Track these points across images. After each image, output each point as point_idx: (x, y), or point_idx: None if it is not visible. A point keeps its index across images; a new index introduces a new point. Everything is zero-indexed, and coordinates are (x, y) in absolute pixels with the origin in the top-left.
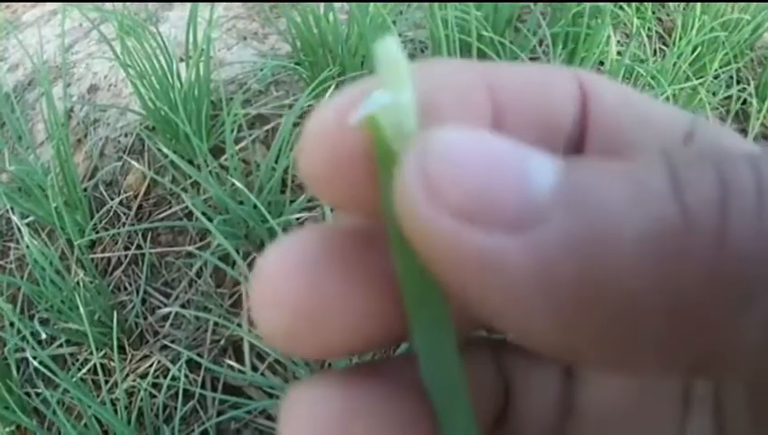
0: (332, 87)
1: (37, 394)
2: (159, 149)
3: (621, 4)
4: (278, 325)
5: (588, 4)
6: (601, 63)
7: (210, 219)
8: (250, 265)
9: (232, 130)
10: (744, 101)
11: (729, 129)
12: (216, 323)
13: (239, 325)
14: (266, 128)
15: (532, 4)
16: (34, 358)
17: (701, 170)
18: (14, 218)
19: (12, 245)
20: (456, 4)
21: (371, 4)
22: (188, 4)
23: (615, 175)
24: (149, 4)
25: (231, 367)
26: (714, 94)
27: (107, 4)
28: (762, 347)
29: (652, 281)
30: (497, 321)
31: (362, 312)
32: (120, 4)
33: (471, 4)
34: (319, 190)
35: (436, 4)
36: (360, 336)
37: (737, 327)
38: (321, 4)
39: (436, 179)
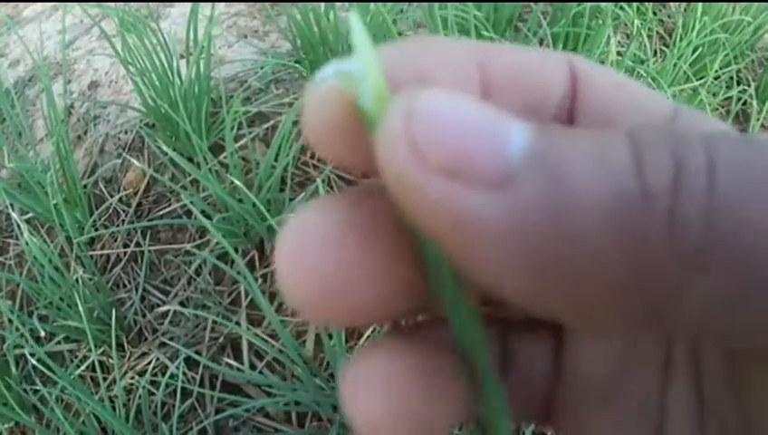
0: None
1: (36, 391)
2: (159, 147)
3: (622, 4)
4: (304, 294)
5: (588, 5)
6: (601, 64)
7: (209, 217)
8: (249, 264)
9: (232, 128)
10: (745, 102)
11: (708, 115)
12: (214, 321)
13: (238, 323)
14: (266, 126)
15: (532, 3)
16: (33, 355)
17: (660, 150)
18: (14, 215)
19: (11, 241)
20: (457, 3)
21: (372, 3)
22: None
23: (583, 144)
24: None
25: (229, 365)
26: (714, 95)
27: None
28: (703, 312)
29: (612, 243)
30: (474, 273)
31: (385, 278)
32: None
33: (471, 4)
34: (323, 152)
35: (435, 4)
36: (382, 302)
37: (682, 291)
38: (322, 3)
39: (419, 138)
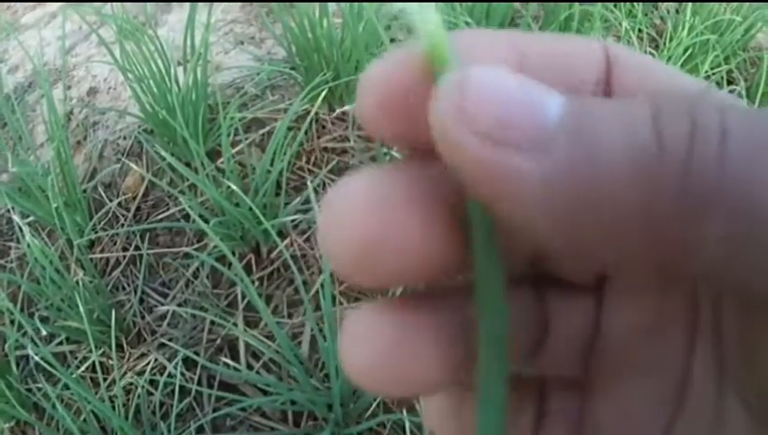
0: (324, 92)
1: (37, 390)
2: (158, 152)
3: (611, 7)
4: (346, 254)
5: (578, 8)
6: None
7: (207, 221)
8: (246, 267)
9: (228, 134)
10: None
11: (735, 97)
12: (212, 323)
13: (235, 325)
14: (262, 131)
15: (523, 9)
16: (36, 355)
17: (677, 109)
18: (15, 218)
19: (12, 244)
20: (448, 9)
21: (364, 10)
22: (186, 8)
23: (609, 109)
24: (148, 7)
25: (227, 365)
26: None
27: (106, 7)
28: (717, 254)
29: (633, 193)
30: (516, 224)
31: (421, 242)
32: (119, 7)
33: (464, 9)
34: (376, 127)
35: None
36: (419, 265)
37: (697, 236)
38: (317, 9)
39: (471, 108)
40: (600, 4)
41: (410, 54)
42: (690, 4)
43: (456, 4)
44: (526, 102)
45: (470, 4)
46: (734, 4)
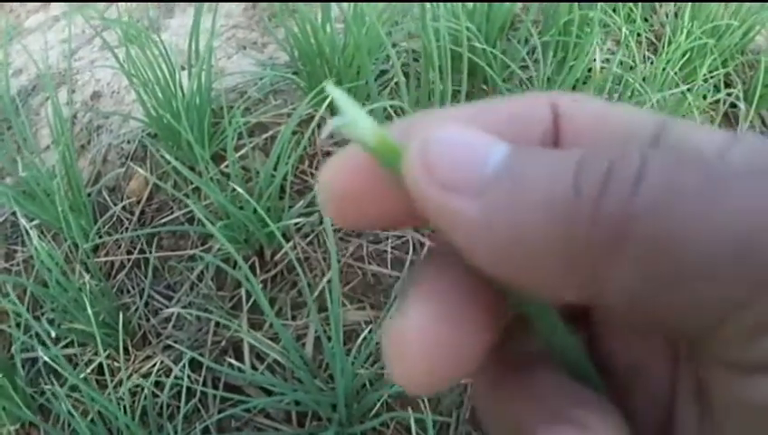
0: (327, 97)
1: (42, 393)
2: (162, 156)
3: (611, 12)
4: (414, 384)
5: (577, 13)
6: (590, 71)
7: (211, 224)
8: (250, 269)
9: (232, 138)
10: (734, 106)
11: (699, 124)
12: (216, 325)
13: (239, 327)
14: (265, 136)
15: (523, 13)
16: (45, 358)
17: (598, 159)
18: (22, 221)
19: (18, 247)
20: (450, 15)
21: (366, 15)
22: (189, 12)
23: (539, 160)
24: (151, 11)
25: (231, 367)
26: (704, 98)
27: (110, 11)
28: (624, 292)
29: (552, 234)
30: (470, 258)
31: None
32: (123, 11)
33: (464, 15)
34: (341, 220)
35: (428, 16)
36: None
37: (607, 274)
38: (319, 14)
39: (430, 161)
40: (599, 8)
41: (355, 155)
42: (688, 8)
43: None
44: (470, 154)
45: (471, 10)
46: (732, 8)
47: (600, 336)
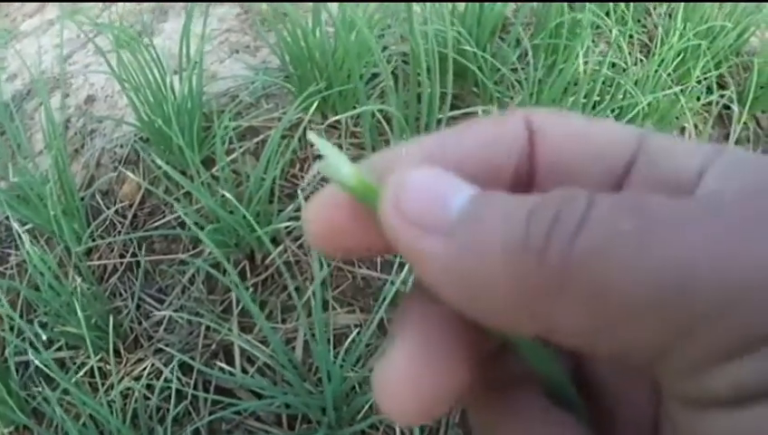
0: (318, 101)
1: (36, 395)
2: (154, 160)
3: (602, 15)
4: (404, 416)
5: (567, 16)
6: (585, 73)
7: (202, 228)
8: (240, 273)
9: (223, 142)
10: (728, 107)
11: (679, 138)
12: (207, 328)
13: (230, 330)
14: (257, 140)
15: (514, 17)
16: (36, 360)
17: (547, 206)
18: (15, 225)
19: (11, 251)
20: (440, 18)
21: (357, 20)
22: (183, 16)
23: (497, 206)
24: (145, 15)
25: (222, 370)
26: (697, 99)
27: (102, 16)
28: (572, 331)
29: (506, 275)
30: (436, 292)
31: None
32: (116, 16)
33: (456, 18)
34: (323, 249)
35: (416, 19)
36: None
37: (554, 313)
38: (309, 19)
39: (401, 203)
40: (587, 9)
41: (335, 194)
42: (681, 10)
43: (447, 14)
44: (437, 198)
45: (462, 13)
46: (727, 9)
47: (585, 364)
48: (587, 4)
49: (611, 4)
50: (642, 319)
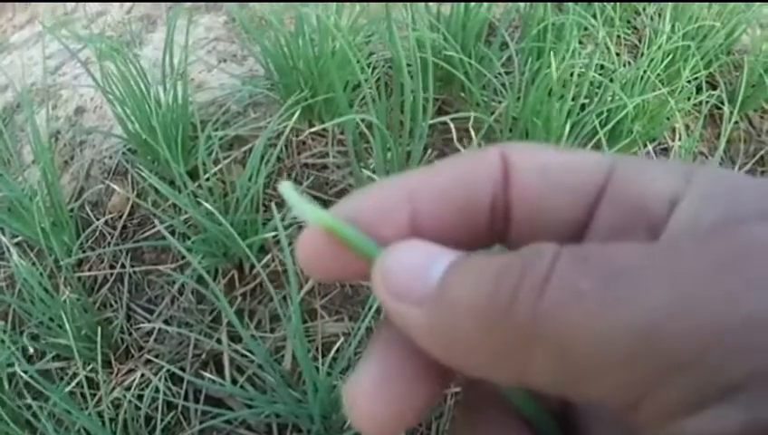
0: (302, 109)
1: (27, 407)
2: (140, 172)
3: (589, 17)
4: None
5: (550, 20)
6: (571, 75)
7: (190, 238)
8: (229, 283)
9: (210, 153)
10: (719, 107)
11: (652, 162)
12: (197, 339)
13: (219, 340)
14: (244, 149)
15: (498, 22)
16: (25, 372)
17: (512, 265)
18: (4, 238)
19: (2, 263)
20: (424, 24)
21: (338, 29)
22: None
23: (470, 270)
24: (133, 25)
25: (212, 380)
26: (688, 99)
27: (93, 25)
28: (544, 382)
29: (478, 333)
30: (424, 350)
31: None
32: (100, 28)
33: (440, 23)
34: (313, 273)
35: (401, 25)
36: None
37: (524, 367)
38: (292, 27)
39: (386, 275)
40: (571, 11)
41: (316, 232)
42: (669, 10)
43: (432, 19)
44: (418, 272)
45: (447, 18)
46: (715, 9)
47: (572, 408)
48: (573, 6)
49: (598, 5)
50: (606, 375)
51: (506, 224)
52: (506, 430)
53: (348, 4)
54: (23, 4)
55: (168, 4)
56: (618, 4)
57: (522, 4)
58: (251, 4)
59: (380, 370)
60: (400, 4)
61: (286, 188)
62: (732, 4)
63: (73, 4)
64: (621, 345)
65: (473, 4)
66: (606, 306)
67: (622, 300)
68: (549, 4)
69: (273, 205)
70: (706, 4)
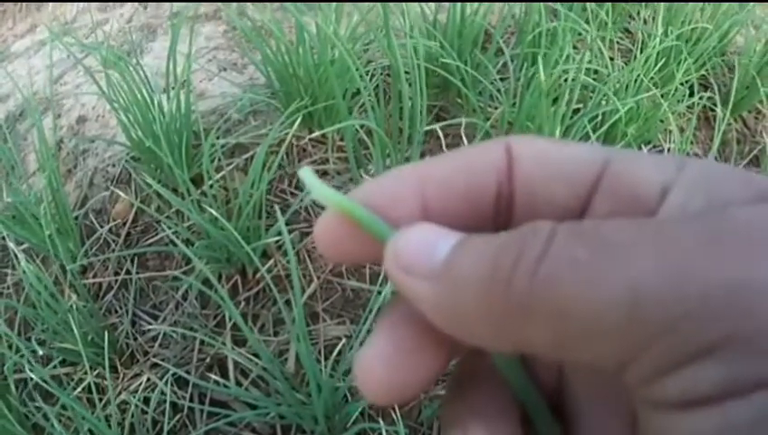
0: (303, 116)
1: (36, 410)
2: (144, 180)
3: (582, 22)
4: (375, 396)
5: (545, 26)
6: (565, 81)
7: (194, 244)
8: (233, 287)
9: (213, 160)
10: (713, 109)
11: (645, 154)
12: (201, 342)
13: (223, 344)
14: (246, 156)
15: (494, 29)
16: (32, 375)
17: (512, 243)
18: (11, 245)
19: (8, 270)
20: (421, 32)
21: (337, 37)
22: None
23: (473, 248)
24: (134, 34)
25: (216, 383)
26: (680, 101)
27: (94, 34)
28: (541, 348)
29: (481, 306)
30: (430, 321)
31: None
32: (104, 36)
33: (437, 32)
34: (330, 255)
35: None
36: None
37: (523, 335)
38: (294, 36)
39: (398, 252)
40: (563, 16)
41: (334, 216)
42: (661, 13)
43: (429, 27)
44: (426, 247)
45: (444, 25)
46: (708, 11)
47: (564, 391)
48: (567, 11)
49: (591, 10)
50: (600, 338)
51: (510, 212)
52: (495, 402)
53: (346, 13)
54: (23, 13)
55: (169, 12)
56: (611, 8)
57: (517, 11)
58: (250, 13)
59: (389, 341)
60: (398, 12)
61: (306, 172)
62: (725, 5)
63: (73, 13)
64: (611, 312)
65: (468, 11)
66: (598, 276)
67: (612, 270)
68: (543, 10)
69: (276, 210)
70: (699, 6)
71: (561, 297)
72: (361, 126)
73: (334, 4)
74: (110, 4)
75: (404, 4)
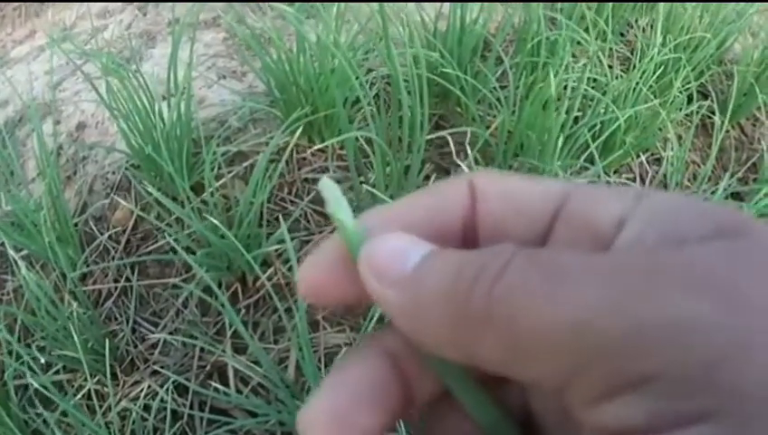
0: (303, 125)
1: (36, 417)
2: (144, 188)
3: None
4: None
5: (544, 35)
6: (564, 88)
7: (194, 252)
8: (233, 295)
9: (212, 168)
10: (710, 117)
11: (605, 189)
12: (202, 350)
13: (224, 351)
14: (246, 164)
15: (493, 38)
16: (33, 381)
17: (474, 261)
18: (10, 252)
19: (8, 277)
20: (420, 41)
21: (336, 47)
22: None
23: (440, 261)
24: (134, 41)
25: (217, 390)
26: (680, 109)
27: (93, 41)
28: (493, 363)
29: (443, 316)
30: (400, 330)
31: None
32: (104, 43)
33: (437, 41)
34: (313, 298)
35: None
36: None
37: (478, 340)
38: (294, 45)
39: (371, 259)
40: (563, 24)
41: (328, 249)
42: (660, 21)
43: (429, 36)
44: (397, 256)
45: (443, 36)
46: (707, 20)
47: (530, 410)
48: (567, 20)
49: (590, 19)
50: (543, 358)
51: (476, 244)
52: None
53: (345, 22)
54: (22, 19)
55: (168, 19)
56: (610, 16)
57: (516, 19)
58: (249, 21)
59: (332, 399)
60: (397, 21)
61: (328, 184)
62: (723, 14)
63: (72, 19)
64: (555, 334)
65: (468, 20)
66: (547, 300)
67: (560, 295)
68: (542, 18)
69: (280, 217)
70: (697, 14)
71: (511, 316)
72: (361, 136)
73: (334, 13)
74: (109, 10)
75: (403, 13)
